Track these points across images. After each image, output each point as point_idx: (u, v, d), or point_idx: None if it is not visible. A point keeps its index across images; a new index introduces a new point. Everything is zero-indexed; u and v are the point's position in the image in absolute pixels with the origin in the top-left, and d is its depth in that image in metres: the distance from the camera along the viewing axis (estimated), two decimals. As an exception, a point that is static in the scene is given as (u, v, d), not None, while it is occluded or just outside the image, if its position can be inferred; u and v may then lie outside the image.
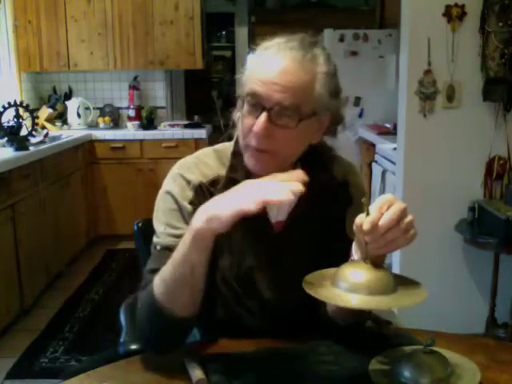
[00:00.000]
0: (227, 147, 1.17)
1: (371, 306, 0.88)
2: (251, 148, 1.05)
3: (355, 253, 1.00)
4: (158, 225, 1.12)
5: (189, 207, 1.09)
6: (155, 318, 1.01)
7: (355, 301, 0.87)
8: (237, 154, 1.13)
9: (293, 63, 1.02)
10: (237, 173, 1.11)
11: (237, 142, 1.13)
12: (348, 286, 0.88)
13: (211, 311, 1.14)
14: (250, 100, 1.03)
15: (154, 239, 1.12)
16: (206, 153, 1.18)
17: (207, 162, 1.15)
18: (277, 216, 1.12)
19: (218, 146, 1.19)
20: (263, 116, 1.01)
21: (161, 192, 1.15)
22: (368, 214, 0.89)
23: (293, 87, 1.01)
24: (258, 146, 1.04)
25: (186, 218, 1.09)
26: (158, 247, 1.09)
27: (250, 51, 1.11)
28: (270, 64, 1.03)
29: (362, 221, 0.90)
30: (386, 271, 0.91)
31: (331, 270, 0.95)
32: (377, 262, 0.92)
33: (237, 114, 1.13)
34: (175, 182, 1.13)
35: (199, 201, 1.09)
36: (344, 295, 0.87)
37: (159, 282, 1.00)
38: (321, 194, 1.15)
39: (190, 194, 1.11)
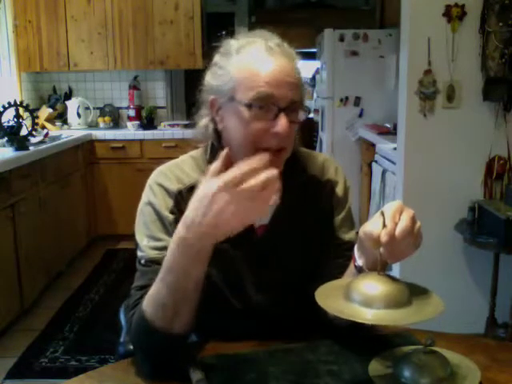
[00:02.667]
0: (202, 153, 1.15)
1: (388, 321, 0.85)
2: (266, 150, 1.01)
3: (359, 258, 1.00)
4: (141, 238, 1.09)
5: (170, 217, 1.08)
6: (154, 343, 0.98)
7: (372, 316, 0.84)
8: (212, 162, 1.12)
9: (288, 59, 1.04)
10: None
11: (211, 150, 1.12)
12: (363, 300, 0.86)
13: (205, 318, 1.13)
14: (260, 103, 1.00)
15: (138, 253, 1.09)
16: (182, 159, 1.17)
17: (184, 168, 1.13)
18: (260, 220, 1.12)
19: (194, 153, 1.17)
20: (284, 116, 1.01)
21: (140, 204, 1.13)
22: (384, 225, 0.88)
23: (296, 82, 1.03)
24: (279, 146, 1.03)
25: (168, 228, 1.07)
26: (143, 261, 1.07)
27: (217, 53, 1.09)
28: (272, 63, 1.02)
29: (378, 232, 0.89)
30: (401, 283, 0.89)
31: (343, 282, 0.93)
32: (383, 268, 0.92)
33: (203, 121, 1.11)
34: (154, 192, 1.11)
35: (179, 209, 1.08)
36: (361, 310, 0.85)
37: (153, 308, 0.96)
38: (301, 193, 1.15)
39: (170, 202, 1.09)
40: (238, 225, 0.85)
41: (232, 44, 1.07)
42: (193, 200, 0.87)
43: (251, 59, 1.03)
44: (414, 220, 0.90)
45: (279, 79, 1.01)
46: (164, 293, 0.94)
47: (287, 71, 1.02)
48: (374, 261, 0.95)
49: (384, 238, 0.88)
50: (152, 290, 0.97)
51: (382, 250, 0.89)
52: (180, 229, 0.90)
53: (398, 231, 0.88)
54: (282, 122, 1.00)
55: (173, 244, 0.92)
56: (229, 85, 1.04)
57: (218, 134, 1.11)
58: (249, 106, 1.01)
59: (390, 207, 0.91)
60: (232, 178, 0.82)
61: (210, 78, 1.09)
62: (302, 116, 1.06)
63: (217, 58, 1.09)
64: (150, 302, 0.97)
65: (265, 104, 1.01)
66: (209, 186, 0.85)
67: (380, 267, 0.90)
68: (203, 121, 1.12)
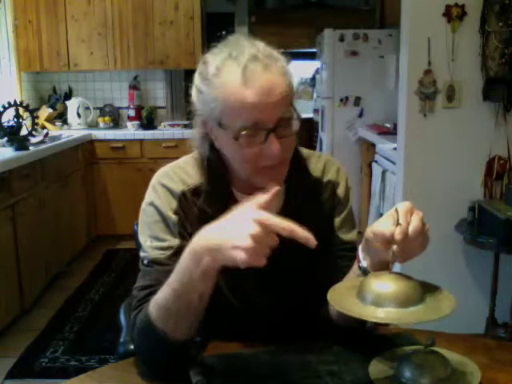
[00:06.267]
0: (203, 157, 1.13)
1: (401, 320, 0.85)
2: (265, 168, 1.01)
3: (364, 259, 1.00)
4: (143, 239, 1.09)
5: (173, 217, 1.07)
6: (155, 345, 0.97)
7: (386, 315, 0.84)
8: (212, 169, 1.10)
9: (270, 73, 0.97)
10: (215, 186, 1.10)
11: (208, 163, 1.10)
12: (376, 299, 0.86)
13: (208, 321, 1.13)
14: (248, 131, 0.97)
15: (141, 254, 1.09)
16: (185, 160, 1.15)
17: (187, 169, 1.12)
18: None
19: (195, 154, 1.15)
20: (273, 138, 0.97)
21: (143, 205, 1.12)
22: (398, 224, 0.89)
23: (282, 97, 0.98)
24: (277, 162, 1.01)
25: (172, 228, 1.07)
26: (146, 261, 1.07)
27: (199, 78, 1.03)
28: (252, 88, 0.95)
29: (390, 231, 0.89)
30: (413, 281, 0.90)
31: (355, 282, 0.93)
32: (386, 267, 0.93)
33: (196, 131, 1.08)
34: (157, 192, 1.10)
35: (183, 210, 1.08)
36: (373, 310, 0.85)
37: (158, 311, 0.95)
38: (303, 194, 1.14)
39: (173, 203, 1.08)
40: (234, 260, 0.82)
41: (209, 65, 1.01)
42: (224, 217, 0.87)
43: (229, 86, 0.97)
44: (423, 221, 0.91)
45: (262, 103, 0.95)
46: (169, 297, 0.94)
47: (269, 91, 0.96)
48: (378, 262, 0.96)
49: (398, 236, 0.88)
50: (159, 292, 0.96)
51: (395, 247, 0.89)
52: (194, 238, 0.90)
53: (410, 231, 0.89)
54: (272, 145, 0.97)
55: (186, 251, 0.91)
56: (215, 112, 1.00)
57: (215, 148, 1.08)
58: (236, 136, 0.98)
59: (402, 207, 0.91)
60: (268, 223, 0.82)
61: (195, 100, 1.05)
62: (294, 128, 1.01)
63: (196, 79, 1.04)
64: (156, 304, 0.96)
65: (252, 131, 0.97)
66: (245, 211, 0.85)
67: (391, 266, 0.91)
68: (198, 136, 1.10)
